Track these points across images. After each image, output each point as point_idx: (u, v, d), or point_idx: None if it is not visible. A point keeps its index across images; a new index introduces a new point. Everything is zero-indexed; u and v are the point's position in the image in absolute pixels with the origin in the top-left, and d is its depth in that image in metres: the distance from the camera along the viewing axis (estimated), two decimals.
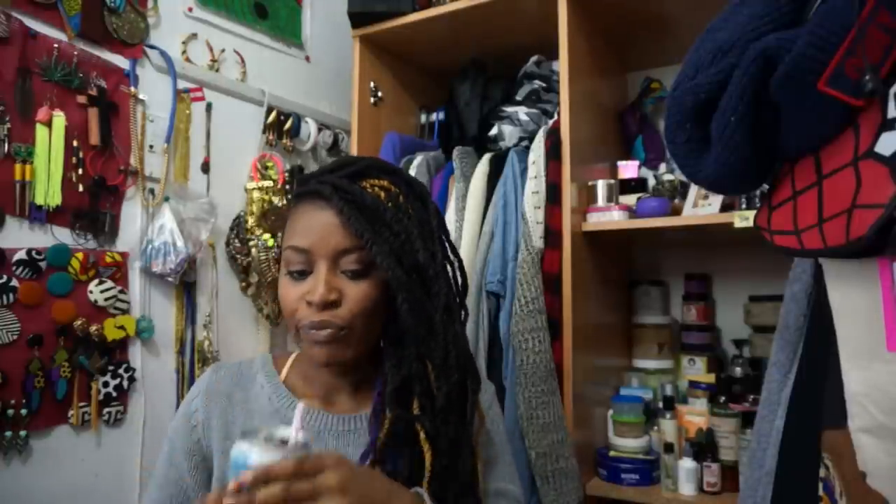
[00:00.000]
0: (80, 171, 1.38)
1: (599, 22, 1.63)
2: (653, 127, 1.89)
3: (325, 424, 0.81)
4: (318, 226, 0.75)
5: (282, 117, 1.85)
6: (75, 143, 1.38)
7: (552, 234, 1.44)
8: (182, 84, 1.60)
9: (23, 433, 1.26)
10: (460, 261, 0.85)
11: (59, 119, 1.35)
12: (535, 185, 1.46)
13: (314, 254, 0.75)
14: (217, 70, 1.72)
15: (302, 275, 0.75)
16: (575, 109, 1.50)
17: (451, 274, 0.81)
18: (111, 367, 1.42)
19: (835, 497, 0.57)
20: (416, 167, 1.66)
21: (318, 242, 0.74)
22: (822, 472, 0.60)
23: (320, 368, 0.82)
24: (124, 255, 1.47)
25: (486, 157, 1.60)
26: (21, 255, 1.28)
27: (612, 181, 1.58)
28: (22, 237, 1.30)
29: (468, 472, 0.77)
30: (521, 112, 1.67)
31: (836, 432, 0.56)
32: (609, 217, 1.51)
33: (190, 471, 0.81)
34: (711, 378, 1.60)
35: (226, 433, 0.81)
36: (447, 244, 0.83)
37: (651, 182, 1.67)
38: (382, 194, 0.76)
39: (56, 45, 1.35)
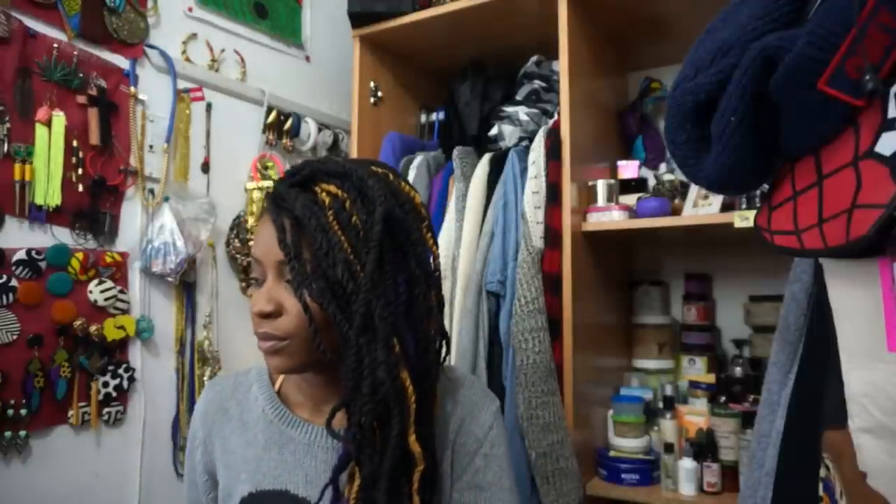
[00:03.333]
0: (80, 171, 1.38)
1: (599, 22, 1.63)
2: (653, 127, 1.89)
3: (314, 437, 0.80)
4: (265, 236, 0.74)
5: (282, 117, 1.85)
6: (75, 143, 1.38)
7: (552, 234, 1.44)
8: (182, 84, 1.60)
9: (23, 433, 1.26)
10: (425, 272, 0.75)
11: (59, 119, 1.35)
12: (535, 185, 1.46)
13: (264, 264, 0.74)
14: (217, 70, 1.72)
15: (260, 283, 0.75)
16: (575, 109, 1.50)
17: (400, 287, 0.72)
18: (111, 367, 1.42)
19: (835, 497, 0.57)
20: (416, 167, 1.66)
21: (264, 253, 0.74)
22: (822, 472, 0.60)
23: (309, 380, 0.82)
24: (124, 255, 1.47)
25: (486, 157, 1.60)
26: (21, 255, 1.28)
27: (612, 181, 1.58)
28: (22, 237, 1.30)
29: None
30: (521, 112, 1.67)
31: (837, 432, 0.56)
32: (609, 217, 1.51)
33: (204, 490, 0.85)
34: (711, 378, 1.60)
35: (224, 447, 0.83)
36: (411, 252, 0.73)
37: (651, 182, 1.67)
38: (328, 200, 0.71)
39: (56, 45, 1.35)
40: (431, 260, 0.77)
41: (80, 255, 1.37)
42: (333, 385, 0.79)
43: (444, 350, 0.80)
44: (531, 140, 1.54)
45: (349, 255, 0.69)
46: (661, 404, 1.58)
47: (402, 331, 0.71)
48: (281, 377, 0.86)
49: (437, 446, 0.77)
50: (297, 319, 0.71)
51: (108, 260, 1.43)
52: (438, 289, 0.79)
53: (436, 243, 0.81)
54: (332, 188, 0.72)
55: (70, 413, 1.35)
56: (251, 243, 1.66)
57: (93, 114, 1.40)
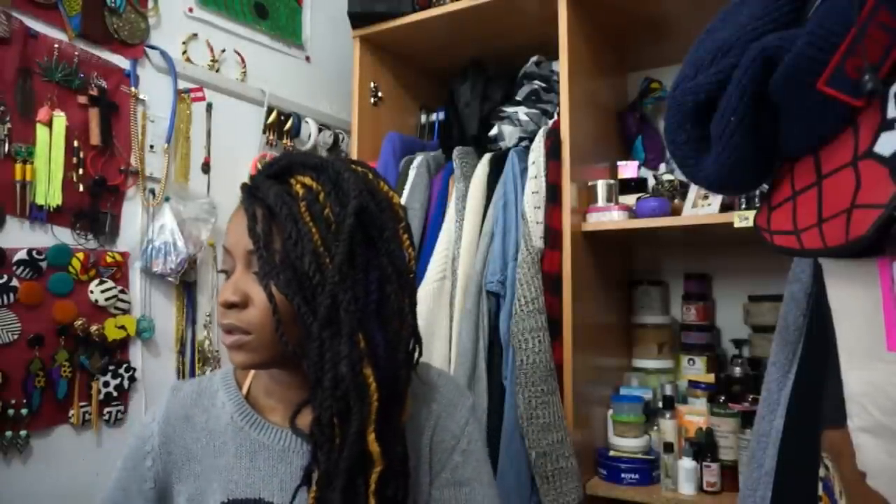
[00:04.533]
0: (81, 171, 1.38)
1: (599, 22, 1.63)
2: (653, 127, 1.89)
3: (289, 444, 0.77)
4: (235, 226, 0.73)
5: (282, 117, 1.85)
6: (76, 143, 1.38)
7: (552, 234, 1.44)
8: (182, 84, 1.61)
9: (23, 433, 1.27)
10: (398, 271, 0.72)
11: (60, 119, 1.35)
12: (535, 185, 1.46)
13: (232, 254, 0.73)
14: (217, 70, 1.72)
15: (227, 275, 0.74)
16: (575, 109, 1.50)
17: (371, 285, 0.70)
18: (112, 367, 1.42)
19: (834, 497, 0.57)
20: (416, 167, 1.66)
21: (234, 243, 0.73)
22: (821, 472, 0.60)
23: (280, 382, 0.79)
24: (125, 255, 1.47)
25: (486, 157, 1.60)
26: (21, 255, 1.28)
27: (612, 181, 1.58)
28: (22, 237, 1.30)
29: None
30: (521, 112, 1.67)
31: (836, 432, 0.56)
32: (609, 217, 1.51)
33: (143, 499, 0.80)
34: (711, 378, 1.60)
35: (187, 455, 0.79)
36: (384, 249, 0.71)
37: (651, 182, 1.67)
38: (301, 191, 0.69)
39: (57, 46, 1.35)
40: (406, 262, 0.75)
41: (80, 255, 1.37)
42: (306, 388, 0.73)
43: (416, 353, 0.78)
44: (531, 140, 1.54)
45: (318, 246, 0.67)
46: (660, 404, 1.58)
47: (369, 327, 0.69)
48: (248, 380, 0.83)
49: (410, 447, 0.75)
50: (262, 312, 0.69)
51: (109, 260, 1.43)
52: (412, 291, 0.77)
53: (412, 246, 0.78)
54: (307, 180, 0.71)
55: (71, 413, 1.35)
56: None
57: (93, 114, 1.40)
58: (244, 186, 0.73)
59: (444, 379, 0.85)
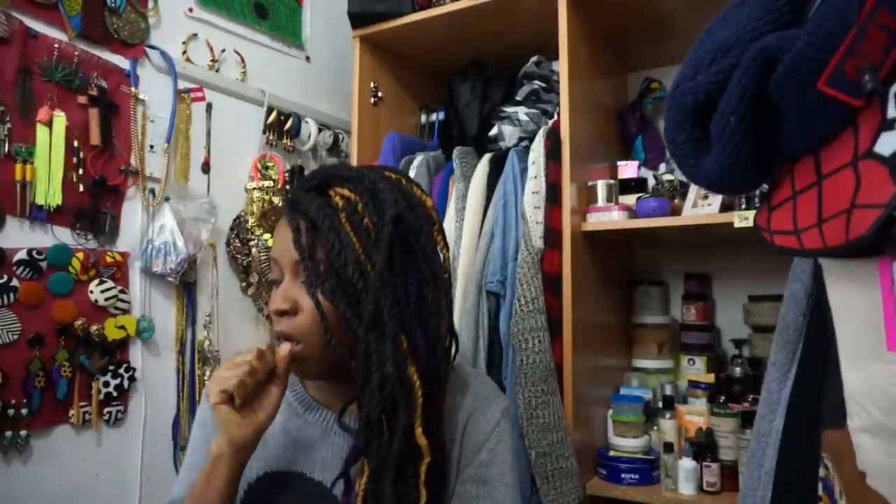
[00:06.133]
0: (81, 171, 1.38)
1: (599, 22, 1.63)
2: (653, 127, 1.89)
3: (331, 423, 0.82)
4: (281, 238, 0.78)
5: (282, 117, 1.85)
6: (76, 143, 1.38)
7: (552, 234, 1.44)
8: (182, 84, 1.61)
9: (23, 433, 1.27)
10: (434, 273, 0.77)
11: (60, 119, 1.35)
12: (534, 185, 1.46)
13: (280, 264, 0.78)
14: (217, 70, 1.72)
15: (277, 284, 0.78)
16: (575, 110, 1.50)
17: (410, 287, 0.74)
18: (112, 367, 1.42)
19: (834, 497, 0.57)
20: (416, 167, 1.67)
21: (281, 253, 0.77)
22: (821, 472, 0.60)
23: (328, 388, 0.85)
24: (125, 255, 1.47)
25: (486, 157, 1.60)
26: (21, 255, 1.28)
27: (612, 181, 1.58)
28: (22, 237, 1.30)
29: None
30: (521, 112, 1.67)
31: (836, 432, 0.56)
32: (609, 217, 1.51)
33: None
34: (711, 378, 1.60)
35: None
36: (420, 254, 0.76)
37: (651, 182, 1.67)
38: (341, 203, 0.74)
39: (56, 46, 1.35)
40: (441, 263, 0.79)
41: (80, 255, 1.37)
42: (352, 391, 0.79)
43: (454, 349, 0.82)
44: (531, 140, 1.54)
45: (360, 254, 0.72)
46: (660, 404, 1.58)
47: (410, 328, 0.73)
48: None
49: (446, 441, 0.78)
50: (311, 318, 0.74)
51: (109, 260, 1.43)
52: (448, 290, 0.81)
53: (447, 247, 0.83)
54: (346, 192, 0.75)
55: (71, 413, 1.35)
56: (252, 244, 1.68)
57: (93, 114, 1.40)
58: (286, 201, 0.78)
59: (480, 378, 0.88)
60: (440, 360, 0.77)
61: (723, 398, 1.49)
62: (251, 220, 1.70)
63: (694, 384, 1.59)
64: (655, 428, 1.52)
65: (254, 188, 1.72)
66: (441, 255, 0.80)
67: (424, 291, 0.76)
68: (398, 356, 0.71)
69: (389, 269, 0.72)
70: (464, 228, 1.51)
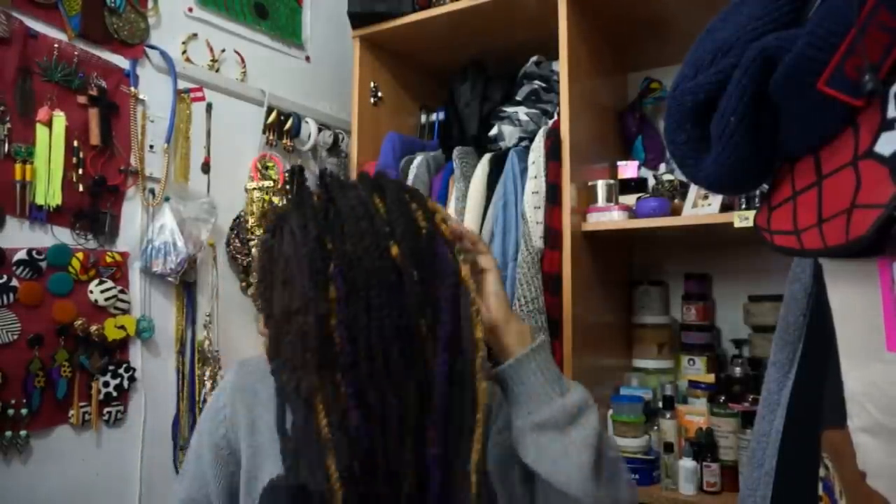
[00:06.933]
0: (81, 171, 1.38)
1: (599, 22, 1.63)
2: (653, 127, 1.89)
3: None
4: None
5: (282, 117, 1.85)
6: (76, 143, 1.38)
7: (552, 234, 1.44)
8: (182, 84, 1.61)
9: (23, 433, 1.27)
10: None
11: (60, 119, 1.35)
12: (534, 185, 1.46)
13: None
14: (217, 70, 1.72)
15: None
16: (575, 109, 1.50)
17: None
18: (111, 367, 1.42)
19: (834, 497, 0.57)
20: (416, 167, 1.66)
21: None
22: (821, 472, 0.60)
23: None
24: (124, 254, 1.47)
25: (486, 157, 1.60)
26: (21, 255, 1.28)
27: (612, 181, 1.58)
28: (22, 237, 1.30)
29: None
30: (521, 112, 1.67)
31: (836, 432, 0.56)
32: (609, 217, 1.51)
33: (211, 464, 0.84)
34: (711, 378, 1.60)
35: (252, 428, 0.83)
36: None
37: (651, 182, 1.67)
38: None
39: (56, 45, 1.35)
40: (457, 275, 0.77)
41: (80, 255, 1.37)
42: None
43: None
44: (531, 140, 1.54)
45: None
46: (660, 404, 1.57)
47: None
48: None
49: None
50: None
51: (109, 260, 1.43)
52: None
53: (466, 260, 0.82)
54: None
55: (70, 413, 1.35)
56: (252, 244, 1.68)
57: (93, 114, 1.40)
58: None
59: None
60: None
61: (723, 398, 1.49)
62: (251, 220, 1.70)
63: (694, 384, 1.59)
64: (655, 428, 1.52)
65: (254, 188, 1.72)
66: (456, 266, 0.77)
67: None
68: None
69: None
70: None
